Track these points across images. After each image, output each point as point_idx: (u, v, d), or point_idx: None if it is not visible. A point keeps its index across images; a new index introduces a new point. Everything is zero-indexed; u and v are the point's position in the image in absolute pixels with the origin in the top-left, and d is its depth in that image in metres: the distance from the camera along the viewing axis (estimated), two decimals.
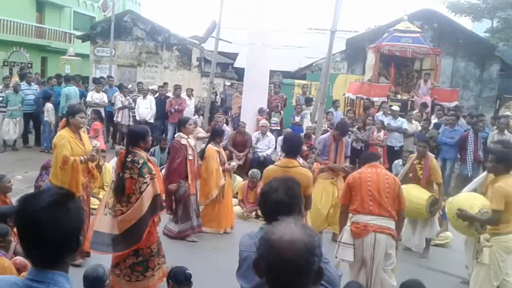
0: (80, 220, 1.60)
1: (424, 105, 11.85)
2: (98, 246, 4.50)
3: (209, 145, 6.67)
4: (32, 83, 12.44)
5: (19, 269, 3.74)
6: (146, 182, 4.37)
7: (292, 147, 4.49)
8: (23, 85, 12.01)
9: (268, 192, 2.37)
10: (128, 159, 4.40)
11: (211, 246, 6.24)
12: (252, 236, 2.34)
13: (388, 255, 4.31)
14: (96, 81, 12.84)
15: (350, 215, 4.49)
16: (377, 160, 4.94)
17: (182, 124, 6.30)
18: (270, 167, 4.61)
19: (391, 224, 4.31)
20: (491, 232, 4.48)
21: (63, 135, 5.10)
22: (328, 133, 7.05)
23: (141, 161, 4.39)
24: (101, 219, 4.54)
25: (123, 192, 4.42)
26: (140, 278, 4.52)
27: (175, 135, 6.39)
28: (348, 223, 4.43)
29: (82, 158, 5.08)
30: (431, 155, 6.44)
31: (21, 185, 8.11)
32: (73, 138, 5.13)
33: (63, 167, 4.94)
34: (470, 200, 4.91)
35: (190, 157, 6.11)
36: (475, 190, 5.28)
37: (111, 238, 4.44)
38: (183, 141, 6.09)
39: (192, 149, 6.22)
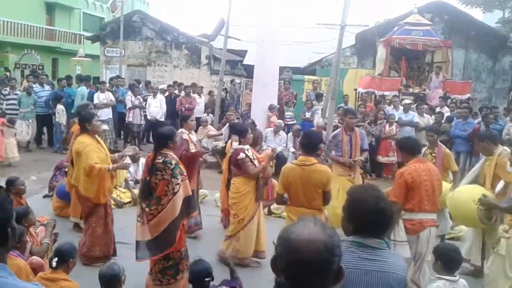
0: (6, 211, 1.59)
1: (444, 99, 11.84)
2: (139, 253, 4.47)
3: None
4: (45, 85, 12.54)
5: (36, 269, 3.78)
6: (178, 184, 4.26)
7: (309, 144, 4.47)
8: (36, 87, 12.12)
9: (368, 202, 2.15)
10: (159, 161, 4.29)
11: None
12: (343, 250, 2.11)
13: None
14: (103, 81, 12.94)
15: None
16: (421, 151, 4.91)
17: (184, 120, 6.26)
18: (288, 165, 4.64)
19: (435, 216, 4.50)
20: (511, 224, 4.43)
21: (86, 141, 5.03)
22: (339, 129, 6.99)
23: (173, 162, 4.30)
24: (136, 228, 4.51)
25: (150, 194, 4.35)
26: (171, 281, 4.48)
27: (177, 132, 6.33)
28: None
29: (110, 167, 5.07)
30: (442, 145, 6.43)
31: (36, 185, 8.20)
32: (95, 144, 5.14)
33: (89, 175, 4.95)
34: (473, 191, 4.92)
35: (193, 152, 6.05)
36: (474, 181, 5.32)
37: (145, 244, 4.41)
38: (185, 136, 6.00)
39: (194, 144, 6.14)
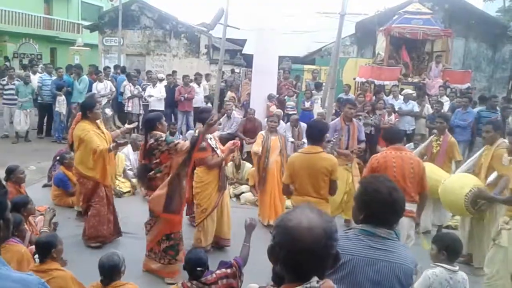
0: None
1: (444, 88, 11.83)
2: (170, 208, 4.62)
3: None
4: (52, 74, 12.50)
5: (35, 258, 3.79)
6: (178, 142, 4.60)
7: (314, 134, 4.55)
8: (44, 75, 12.13)
9: (383, 193, 2.15)
10: (151, 141, 4.61)
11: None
12: (351, 238, 2.12)
13: (410, 238, 4.44)
14: (98, 71, 12.96)
15: None
16: (402, 140, 4.91)
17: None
18: (294, 154, 4.73)
19: (412, 206, 4.39)
20: (510, 214, 4.42)
21: (86, 127, 5.24)
22: (338, 118, 6.98)
23: (163, 135, 4.66)
24: (150, 204, 4.70)
25: (145, 178, 4.67)
26: (172, 261, 4.79)
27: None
28: None
29: (110, 146, 5.23)
30: (449, 134, 6.41)
31: (35, 175, 8.21)
32: (95, 129, 5.32)
33: (94, 159, 5.19)
34: (462, 180, 4.95)
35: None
36: (468, 171, 5.36)
37: (167, 203, 4.55)
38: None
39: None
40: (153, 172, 4.64)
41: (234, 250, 5.50)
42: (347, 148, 6.45)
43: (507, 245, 4.38)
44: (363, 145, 6.63)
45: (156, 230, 4.74)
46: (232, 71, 15.38)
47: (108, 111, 8.51)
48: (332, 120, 9.41)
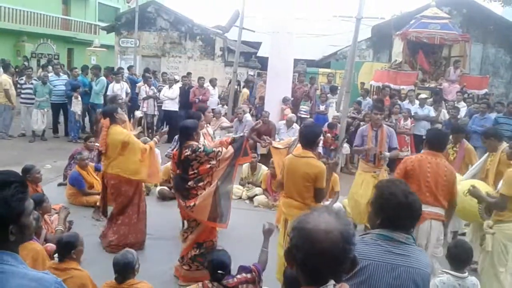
0: (9, 208, 1.54)
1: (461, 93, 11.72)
2: (222, 220, 4.59)
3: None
4: (61, 74, 12.62)
5: (50, 256, 3.82)
6: (216, 151, 4.49)
7: (306, 138, 4.40)
8: (52, 76, 12.22)
9: (397, 195, 2.14)
10: (188, 153, 4.44)
11: None
12: (368, 242, 2.10)
13: (440, 241, 4.35)
14: (115, 72, 13.09)
15: None
16: (444, 148, 4.78)
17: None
18: (289, 155, 4.63)
19: (443, 211, 4.36)
20: (495, 219, 4.39)
21: (123, 131, 5.27)
22: (367, 124, 6.87)
23: (200, 145, 4.53)
24: (194, 214, 4.58)
25: (184, 188, 4.52)
26: (200, 267, 4.65)
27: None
28: None
29: (155, 138, 5.35)
30: (465, 141, 6.35)
31: (51, 174, 8.28)
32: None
33: (144, 158, 5.17)
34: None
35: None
36: (474, 176, 5.30)
37: (212, 214, 4.50)
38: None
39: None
40: (193, 182, 4.49)
41: (246, 252, 5.50)
42: (374, 156, 6.27)
43: (491, 249, 4.34)
44: (394, 153, 6.32)
45: (191, 239, 4.66)
46: (259, 74, 15.53)
47: (138, 113, 8.48)
48: (346, 124, 9.42)
